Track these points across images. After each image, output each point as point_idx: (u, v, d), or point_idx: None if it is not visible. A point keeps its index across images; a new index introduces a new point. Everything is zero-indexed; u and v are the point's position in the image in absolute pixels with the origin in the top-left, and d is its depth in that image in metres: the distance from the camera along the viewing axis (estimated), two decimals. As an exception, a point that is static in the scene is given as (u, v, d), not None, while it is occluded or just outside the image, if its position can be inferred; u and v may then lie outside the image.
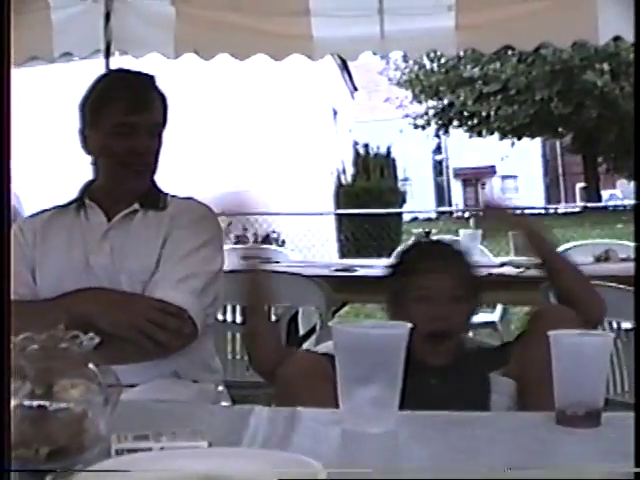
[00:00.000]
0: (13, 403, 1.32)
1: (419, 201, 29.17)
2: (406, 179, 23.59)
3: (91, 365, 1.37)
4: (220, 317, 3.97)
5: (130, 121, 2.62)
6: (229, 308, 4.14)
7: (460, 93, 28.18)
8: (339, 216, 17.47)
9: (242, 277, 2.66)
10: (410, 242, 3.73)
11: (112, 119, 2.62)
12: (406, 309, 2.55)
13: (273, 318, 4.14)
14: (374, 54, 6.08)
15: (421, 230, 6.29)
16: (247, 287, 2.64)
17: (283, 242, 12.57)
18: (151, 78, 2.72)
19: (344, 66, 21.79)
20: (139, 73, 2.74)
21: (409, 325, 1.75)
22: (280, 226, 13.14)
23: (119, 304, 2.53)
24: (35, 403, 1.32)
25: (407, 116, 30.44)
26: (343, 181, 19.31)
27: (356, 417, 1.72)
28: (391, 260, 2.83)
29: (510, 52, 23.19)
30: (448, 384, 2.46)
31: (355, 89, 25.79)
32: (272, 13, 5.34)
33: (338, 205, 18.41)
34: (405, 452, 1.67)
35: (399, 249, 3.03)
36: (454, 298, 2.54)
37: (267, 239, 12.14)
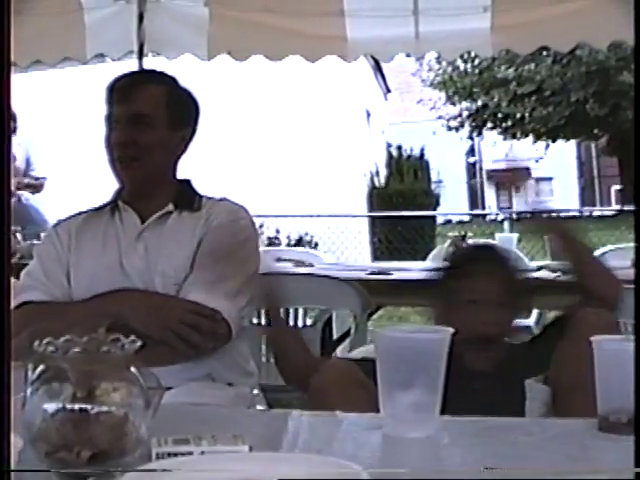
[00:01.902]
0: (55, 406, 1.31)
1: (452, 203, 29.05)
2: (440, 181, 23.51)
3: (132, 368, 1.36)
4: (254, 320, 3.96)
5: (114, 112, 2.65)
6: (263, 311, 4.12)
7: (494, 94, 27.99)
8: (372, 218, 17.46)
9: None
10: (459, 245, 3.70)
11: (106, 114, 2.67)
12: (453, 312, 2.53)
13: (309, 322, 4.14)
14: (408, 55, 6.05)
15: (457, 233, 6.25)
16: (264, 292, 2.61)
17: (316, 244, 12.56)
18: (151, 72, 2.76)
19: (377, 67, 21.79)
20: (141, 70, 2.78)
21: (451, 330, 1.73)
22: (313, 228, 13.14)
23: (153, 306, 2.53)
24: (77, 406, 1.31)
25: (440, 118, 30.30)
26: (376, 183, 19.30)
27: (397, 422, 1.70)
28: (440, 264, 2.81)
29: (545, 53, 23.01)
30: (491, 390, 2.44)
31: (388, 91, 25.77)
32: (306, 14, 5.33)
33: (371, 207, 18.40)
34: (446, 457, 1.65)
35: (447, 252, 3.00)
36: (502, 302, 2.53)
37: (300, 241, 12.14)
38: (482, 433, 1.72)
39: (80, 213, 2.81)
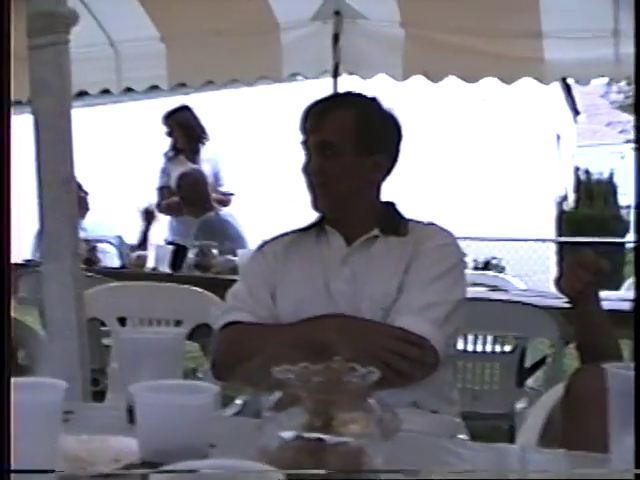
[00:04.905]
0: (291, 434, 1.29)
1: (640, 230, 28.13)
2: (628, 207, 22.86)
3: (370, 399, 1.32)
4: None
5: (304, 140, 2.68)
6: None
7: (687, 117, 27.10)
8: (560, 244, 17.07)
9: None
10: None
11: (301, 140, 2.69)
12: None
13: (507, 348, 4.05)
14: (601, 77, 5.87)
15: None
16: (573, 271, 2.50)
17: (503, 269, 12.37)
18: (344, 97, 2.74)
19: (567, 89, 21.39)
20: (334, 95, 2.76)
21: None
22: (501, 252, 12.98)
23: (360, 332, 2.49)
24: (313, 435, 1.28)
25: (629, 141, 29.48)
26: (565, 207, 18.92)
27: (626, 464, 1.61)
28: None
29: None
30: None
31: (577, 113, 25.26)
32: (503, 35, 5.27)
33: (560, 232, 18.02)
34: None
35: None
36: None
37: (487, 265, 11.98)
38: None
39: (286, 234, 2.82)
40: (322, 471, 1.19)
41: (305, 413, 1.29)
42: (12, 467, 1.27)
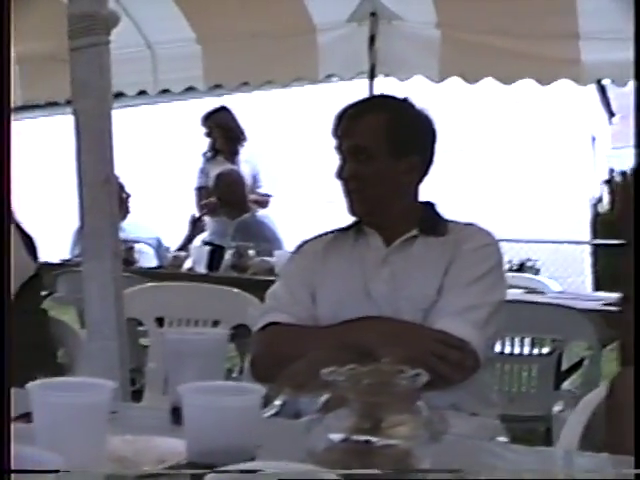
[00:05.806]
0: (339, 436, 1.28)
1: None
2: (664, 207, 22.62)
3: (419, 402, 1.32)
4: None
5: (337, 145, 2.66)
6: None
7: None
8: (595, 246, 16.92)
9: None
10: None
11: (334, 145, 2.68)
12: None
13: (545, 350, 4.03)
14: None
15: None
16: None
17: (538, 271, 12.25)
18: (374, 100, 2.73)
19: (602, 90, 21.22)
20: (364, 99, 2.79)
21: None
22: (536, 254, 12.86)
23: (400, 335, 2.47)
24: (362, 437, 1.28)
25: (665, 144, 29.13)
26: (600, 209, 18.78)
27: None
28: None
29: None
30: None
31: (612, 114, 25.05)
32: (539, 36, 5.25)
33: (595, 235, 17.86)
34: None
35: None
36: None
37: (522, 267, 11.89)
38: None
39: (325, 234, 2.81)
40: (375, 471, 1.19)
41: (353, 415, 1.29)
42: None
